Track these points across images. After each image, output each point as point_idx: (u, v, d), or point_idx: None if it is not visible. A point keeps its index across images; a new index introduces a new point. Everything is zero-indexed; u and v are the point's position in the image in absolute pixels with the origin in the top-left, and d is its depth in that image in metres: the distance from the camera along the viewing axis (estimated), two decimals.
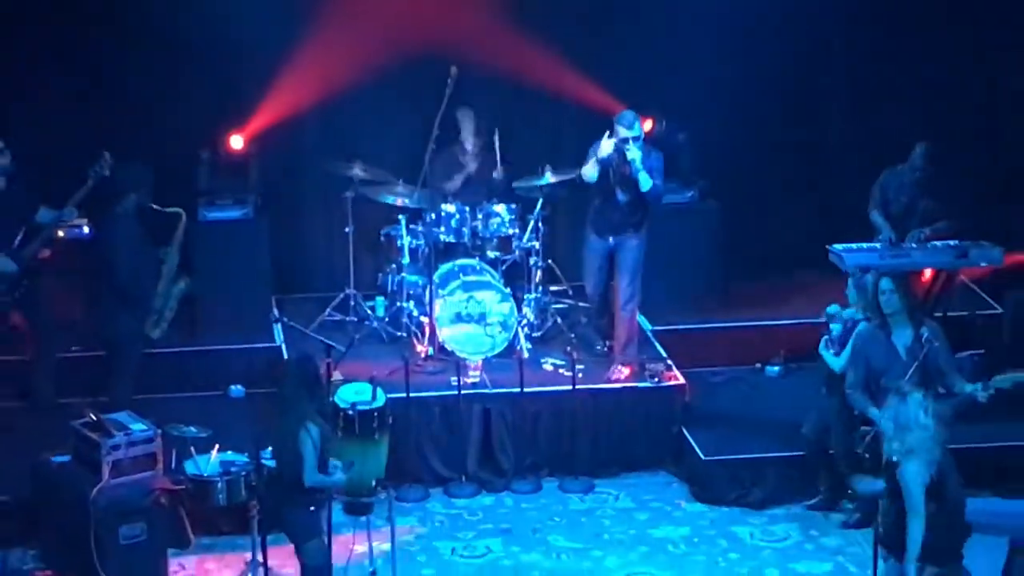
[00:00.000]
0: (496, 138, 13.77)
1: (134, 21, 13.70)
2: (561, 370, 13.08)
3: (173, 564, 11.40)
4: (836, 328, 11.94)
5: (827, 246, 13.13)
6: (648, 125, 13.39)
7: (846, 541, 11.96)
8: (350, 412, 11.55)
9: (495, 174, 13.84)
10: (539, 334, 13.70)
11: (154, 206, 12.32)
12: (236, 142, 14.08)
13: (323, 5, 13.88)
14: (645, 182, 12.85)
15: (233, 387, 13.37)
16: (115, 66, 13.92)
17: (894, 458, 9.68)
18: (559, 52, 14.10)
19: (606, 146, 12.80)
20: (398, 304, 13.71)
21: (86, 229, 12.72)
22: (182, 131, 13.97)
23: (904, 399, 9.77)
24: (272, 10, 13.86)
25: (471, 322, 13.12)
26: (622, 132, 12.82)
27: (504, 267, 13.63)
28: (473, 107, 13.84)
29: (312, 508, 10.35)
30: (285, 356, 12.90)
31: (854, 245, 13.06)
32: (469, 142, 13.94)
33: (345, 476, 10.56)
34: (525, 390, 12.82)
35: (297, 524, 10.39)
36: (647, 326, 13.84)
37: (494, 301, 13.13)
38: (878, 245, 13.10)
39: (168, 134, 13.88)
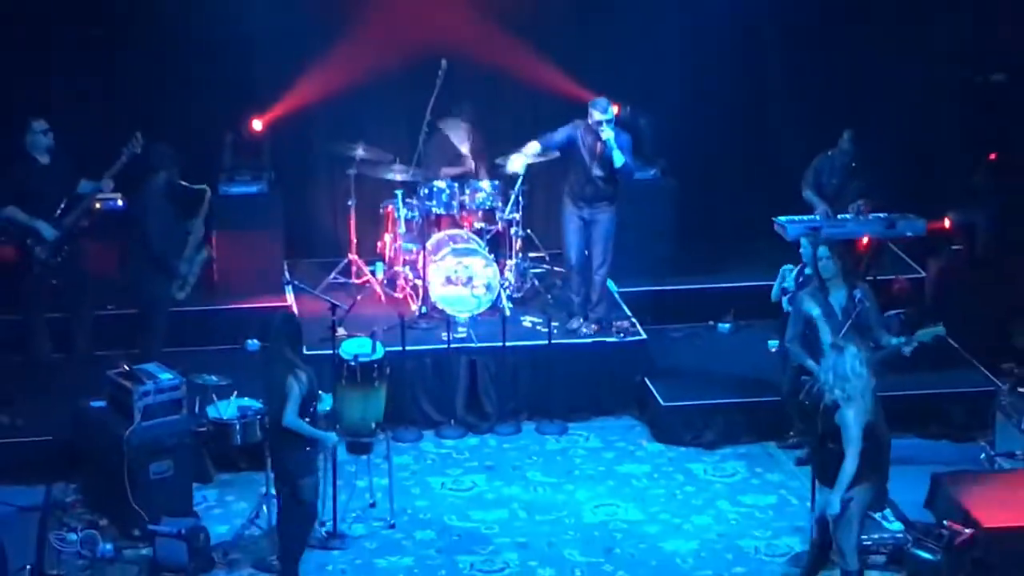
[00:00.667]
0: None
1: (178, 24, 13.69)
2: (538, 327, 13.00)
3: (197, 497, 11.35)
4: (791, 285, 11.83)
5: (772, 218, 13.00)
6: (615, 110, 13.21)
7: (787, 476, 11.91)
8: (352, 363, 11.36)
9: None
10: (519, 295, 13.59)
11: (183, 183, 12.23)
12: (257, 125, 13.97)
13: (331, 11, 13.84)
14: (618, 159, 12.73)
15: (249, 341, 13.20)
16: (155, 60, 13.80)
17: (836, 403, 9.58)
18: (538, 48, 13.98)
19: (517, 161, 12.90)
20: (395, 268, 13.62)
21: (120, 202, 12.60)
22: (210, 116, 13.89)
23: (841, 352, 9.76)
24: (290, 15, 13.85)
25: (459, 284, 13.03)
26: (596, 115, 12.70)
27: (489, 236, 13.51)
28: (461, 117, 13.68)
29: (307, 448, 10.11)
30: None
31: (796, 217, 12.92)
32: (465, 147, 13.80)
33: (336, 441, 10.45)
34: (507, 344, 12.75)
35: (292, 462, 10.07)
36: (614, 288, 13.72)
37: (480, 266, 13.04)
38: (817, 217, 12.95)
39: (198, 118, 13.80)
